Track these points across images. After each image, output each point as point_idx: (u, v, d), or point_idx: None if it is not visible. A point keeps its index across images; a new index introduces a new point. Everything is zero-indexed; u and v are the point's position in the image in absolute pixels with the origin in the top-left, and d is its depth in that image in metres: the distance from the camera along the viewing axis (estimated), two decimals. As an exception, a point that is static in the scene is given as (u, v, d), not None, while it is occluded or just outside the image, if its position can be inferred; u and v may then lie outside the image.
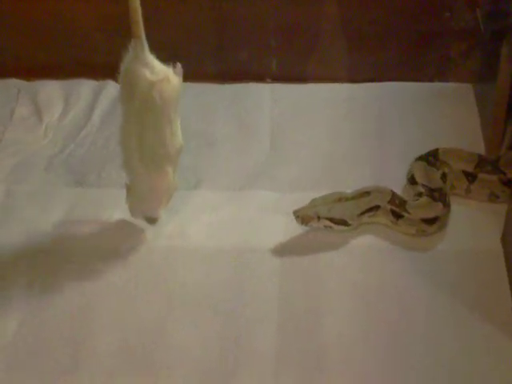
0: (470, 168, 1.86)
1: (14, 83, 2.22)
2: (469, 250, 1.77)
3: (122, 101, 1.67)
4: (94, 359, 1.58)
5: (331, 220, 1.78)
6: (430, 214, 1.78)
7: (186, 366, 1.57)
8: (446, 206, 1.80)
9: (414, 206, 1.80)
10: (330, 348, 1.59)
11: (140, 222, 1.82)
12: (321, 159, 2.00)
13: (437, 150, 1.89)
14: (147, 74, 1.60)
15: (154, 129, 1.65)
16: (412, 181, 1.85)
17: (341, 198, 1.80)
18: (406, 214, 1.78)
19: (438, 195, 1.80)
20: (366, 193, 1.81)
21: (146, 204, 1.77)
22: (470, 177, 1.85)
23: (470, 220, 1.83)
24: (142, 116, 1.63)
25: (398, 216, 1.79)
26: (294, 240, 1.80)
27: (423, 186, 1.82)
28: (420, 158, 1.88)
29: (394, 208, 1.79)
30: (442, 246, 1.78)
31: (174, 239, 1.80)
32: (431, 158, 1.87)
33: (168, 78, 1.61)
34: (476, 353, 1.58)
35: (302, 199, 1.80)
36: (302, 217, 1.77)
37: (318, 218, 1.77)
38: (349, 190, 1.83)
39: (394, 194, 1.81)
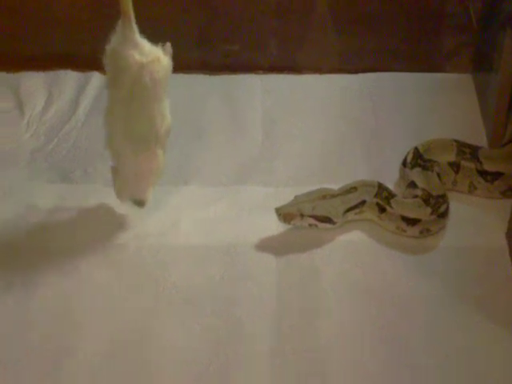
0: (452, 157, 1.82)
1: (-6, 75, 2.17)
2: (472, 247, 1.74)
3: (108, 82, 1.63)
4: (76, 361, 1.54)
5: (315, 218, 1.73)
6: (412, 214, 1.72)
7: (176, 367, 1.53)
8: (436, 214, 1.73)
9: (400, 201, 1.75)
10: (328, 347, 1.55)
11: (126, 212, 1.78)
12: (315, 152, 1.97)
13: (416, 149, 1.83)
14: (136, 55, 1.57)
15: (142, 110, 1.62)
16: (412, 185, 1.79)
17: (325, 195, 1.75)
18: (388, 208, 1.74)
19: (433, 202, 1.74)
20: (352, 188, 1.77)
21: (133, 186, 1.73)
22: (455, 167, 1.81)
23: (472, 217, 1.80)
24: (131, 97, 1.60)
25: (382, 209, 1.74)
26: (288, 235, 1.76)
27: (423, 190, 1.76)
28: (414, 165, 1.81)
29: (379, 201, 1.75)
30: (444, 243, 1.75)
31: (163, 236, 1.76)
32: (420, 161, 1.81)
33: (158, 58, 1.59)
34: (480, 351, 1.55)
35: (297, 193, 1.76)
36: (284, 215, 1.73)
37: (302, 215, 1.73)
38: (344, 183, 1.79)
39: (380, 187, 1.77)
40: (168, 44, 1.60)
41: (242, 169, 1.92)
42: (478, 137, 1.95)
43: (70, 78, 2.16)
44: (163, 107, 1.64)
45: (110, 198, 1.77)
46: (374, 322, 1.59)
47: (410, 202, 1.75)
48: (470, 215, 1.80)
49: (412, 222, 1.72)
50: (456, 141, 1.85)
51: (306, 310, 1.61)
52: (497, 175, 1.80)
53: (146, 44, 1.59)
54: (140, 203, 1.75)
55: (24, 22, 2.16)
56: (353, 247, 1.74)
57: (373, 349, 1.55)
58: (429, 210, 1.72)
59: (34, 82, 2.14)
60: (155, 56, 1.58)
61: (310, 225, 1.74)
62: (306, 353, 1.54)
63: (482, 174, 1.80)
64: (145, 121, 1.63)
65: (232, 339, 1.57)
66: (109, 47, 1.59)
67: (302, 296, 1.64)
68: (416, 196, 1.75)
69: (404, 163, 1.82)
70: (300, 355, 1.54)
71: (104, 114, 1.66)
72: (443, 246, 1.74)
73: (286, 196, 1.77)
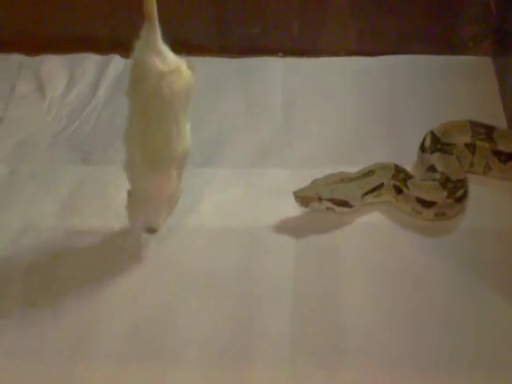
0: (468, 138, 1.81)
1: (15, 58, 2.16)
2: (490, 229, 1.73)
3: (128, 93, 1.55)
4: (99, 344, 1.54)
5: (333, 201, 1.73)
6: (428, 197, 1.72)
7: (196, 349, 1.53)
8: (453, 198, 1.72)
9: (417, 184, 1.74)
10: (349, 330, 1.55)
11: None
12: (333, 135, 1.96)
13: (433, 133, 1.82)
14: (158, 63, 1.48)
15: (158, 125, 1.53)
16: (432, 169, 1.78)
17: (343, 179, 1.75)
18: (404, 189, 1.73)
19: (451, 186, 1.73)
20: (370, 171, 1.76)
21: (146, 210, 1.65)
22: (471, 147, 1.80)
23: (489, 199, 1.79)
24: (148, 109, 1.52)
25: (399, 191, 1.74)
26: (307, 217, 1.75)
27: (442, 173, 1.75)
28: (433, 150, 1.79)
29: (396, 183, 1.74)
30: (462, 225, 1.74)
31: (183, 218, 1.75)
32: (439, 145, 1.80)
33: (180, 69, 1.50)
34: (499, 333, 1.54)
35: (315, 176, 1.76)
36: (302, 198, 1.72)
37: (320, 199, 1.72)
38: (362, 166, 1.78)
39: (397, 169, 1.76)
40: (191, 60, 1.52)
41: (261, 151, 1.91)
42: (498, 120, 1.93)
43: (90, 60, 2.15)
44: (182, 126, 1.55)
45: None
46: (394, 303, 1.59)
47: (426, 185, 1.74)
48: (486, 197, 1.79)
49: (427, 204, 1.72)
50: (470, 121, 1.84)
51: (326, 291, 1.61)
52: (511, 156, 1.79)
53: (169, 53, 1.50)
54: (151, 231, 1.68)
55: (45, 5, 2.14)
56: (372, 229, 1.73)
57: (394, 331, 1.55)
58: (445, 193, 1.71)
59: (54, 65, 2.14)
60: (177, 66, 1.50)
61: (328, 208, 1.73)
62: (326, 334, 1.54)
63: (497, 154, 1.79)
64: (160, 137, 1.54)
65: (253, 321, 1.57)
66: (133, 56, 1.51)
67: (322, 278, 1.64)
68: (435, 179, 1.74)
69: (422, 148, 1.81)
70: (320, 336, 1.54)
71: (125, 128, 1.59)
72: (461, 228, 1.73)
73: (304, 178, 1.76)
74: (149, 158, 1.56)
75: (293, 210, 1.75)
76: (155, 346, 1.54)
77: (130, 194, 1.65)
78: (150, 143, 1.55)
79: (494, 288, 1.61)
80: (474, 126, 1.83)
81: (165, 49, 1.50)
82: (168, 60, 1.50)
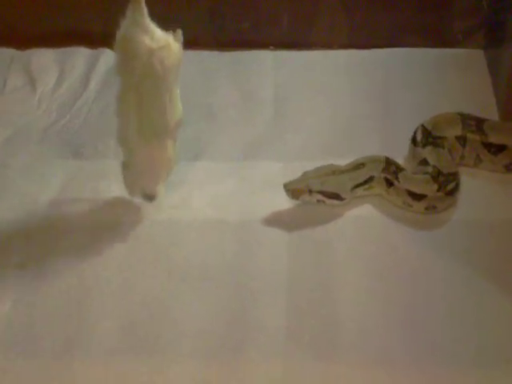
0: (458, 131, 1.81)
1: (5, 52, 2.15)
2: (481, 221, 1.73)
3: (118, 70, 1.60)
4: (93, 338, 1.54)
5: (323, 194, 1.73)
6: (418, 190, 1.72)
7: (190, 342, 1.53)
8: (443, 192, 1.72)
9: (408, 176, 1.74)
10: (344, 323, 1.55)
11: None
12: (326, 128, 1.96)
13: (424, 127, 1.82)
14: (147, 40, 1.53)
15: (153, 99, 1.59)
16: (424, 162, 1.77)
17: (334, 171, 1.75)
18: (395, 182, 1.73)
19: (442, 179, 1.73)
20: (360, 164, 1.76)
21: (143, 180, 1.70)
22: (462, 140, 1.80)
23: (481, 191, 1.79)
24: (141, 85, 1.57)
25: (390, 184, 1.74)
26: (300, 210, 1.75)
27: (434, 167, 1.75)
28: (425, 143, 1.79)
29: (387, 176, 1.74)
30: (453, 217, 1.74)
31: (176, 212, 1.76)
32: (430, 139, 1.79)
33: (169, 44, 1.55)
34: (495, 325, 1.55)
35: (308, 169, 1.76)
36: (292, 190, 1.72)
37: (310, 191, 1.72)
38: (354, 158, 1.78)
39: (388, 161, 1.76)
40: (179, 31, 1.56)
41: (253, 144, 1.91)
42: (490, 112, 1.93)
43: (80, 54, 2.14)
44: (174, 97, 1.60)
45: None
46: (388, 296, 1.59)
47: (417, 178, 1.74)
48: (478, 189, 1.79)
49: (418, 197, 1.72)
50: (460, 114, 1.84)
51: (320, 284, 1.61)
52: (501, 148, 1.79)
53: (156, 30, 1.55)
54: (150, 197, 1.72)
55: (35, 1, 2.14)
56: (365, 222, 1.73)
57: (390, 324, 1.55)
58: (436, 186, 1.71)
59: (45, 58, 2.13)
60: (166, 42, 1.54)
61: (318, 201, 1.73)
62: (321, 327, 1.54)
63: (487, 146, 1.79)
64: (155, 110, 1.59)
65: (247, 314, 1.57)
66: (119, 33, 1.55)
67: (316, 270, 1.64)
68: (426, 173, 1.74)
69: (414, 142, 1.81)
70: (315, 329, 1.54)
71: (116, 102, 1.62)
72: (453, 220, 1.73)
73: (297, 171, 1.76)
74: (144, 131, 1.61)
75: (285, 202, 1.75)
76: (150, 339, 1.53)
77: (125, 165, 1.69)
78: (144, 117, 1.60)
79: (490, 280, 1.61)
80: (464, 118, 1.83)
81: (152, 26, 1.55)
82: (156, 36, 1.54)
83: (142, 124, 1.61)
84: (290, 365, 1.49)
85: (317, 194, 1.72)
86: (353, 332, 1.53)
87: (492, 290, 1.60)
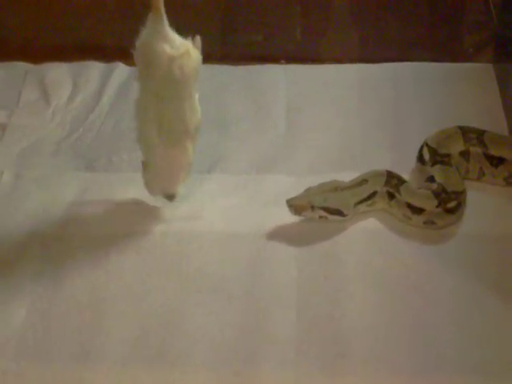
0: (461, 146, 1.81)
1: (20, 66, 2.17)
2: (486, 235, 1.73)
3: (139, 76, 1.63)
4: (105, 347, 1.55)
5: (326, 210, 1.73)
6: (417, 203, 1.72)
7: (202, 353, 1.54)
8: (443, 208, 1.72)
9: (409, 189, 1.75)
10: (352, 335, 1.55)
11: (155, 204, 1.79)
12: (337, 142, 1.96)
13: (428, 145, 1.81)
14: (167, 48, 1.56)
15: (173, 104, 1.62)
16: (431, 179, 1.77)
17: (337, 187, 1.75)
18: (397, 195, 1.74)
19: (444, 196, 1.72)
20: (363, 180, 1.76)
21: (164, 180, 1.73)
22: (466, 155, 1.81)
23: (484, 205, 1.79)
24: (161, 91, 1.60)
25: (392, 196, 1.75)
26: (309, 224, 1.76)
27: (439, 184, 1.75)
28: (434, 162, 1.79)
29: (389, 189, 1.75)
30: (461, 230, 1.75)
31: (188, 224, 1.77)
32: (438, 157, 1.79)
33: (188, 52, 1.58)
34: (502, 338, 1.55)
35: (320, 183, 1.76)
36: (295, 206, 1.73)
37: (312, 207, 1.72)
38: (365, 172, 1.79)
39: (390, 175, 1.76)
40: (198, 37, 1.59)
41: (265, 158, 1.92)
42: (499, 126, 1.94)
43: (94, 68, 2.15)
44: (193, 101, 1.63)
45: (135, 187, 1.78)
46: (396, 309, 1.60)
47: (419, 192, 1.74)
48: (482, 203, 1.79)
49: (417, 210, 1.72)
50: (460, 127, 1.85)
51: (328, 296, 1.62)
52: (500, 160, 1.79)
53: (176, 37, 1.57)
54: (170, 197, 1.75)
55: (49, 14, 2.17)
56: (371, 235, 1.74)
57: (398, 336, 1.55)
58: (435, 202, 1.71)
59: (59, 72, 2.14)
60: (185, 49, 1.57)
61: (321, 217, 1.74)
62: (330, 339, 1.55)
63: (488, 158, 1.80)
64: (175, 115, 1.62)
65: (258, 326, 1.57)
66: (139, 41, 1.58)
67: (325, 283, 1.64)
68: (430, 189, 1.75)
69: (422, 161, 1.81)
70: (325, 342, 1.54)
71: (135, 106, 1.65)
72: (459, 234, 1.74)
73: (308, 185, 1.77)
74: (165, 135, 1.64)
75: (296, 217, 1.75)
76: (162, 349, 1.54)
77: (145, 164, 1.72)
78: (165, 122, 1.63)
79: (495, 294, 1.62)
80: (465, 131, 1.83)
81: (172, 34, 1.58)
82: (176, 44, 1.57)
83: (162, 128, 1.64)
84: (301, 376, 1.50)
85: (319, 209, 1.73)
86: (362, 344, 1.54)
87: (497, 303, 1.60)
